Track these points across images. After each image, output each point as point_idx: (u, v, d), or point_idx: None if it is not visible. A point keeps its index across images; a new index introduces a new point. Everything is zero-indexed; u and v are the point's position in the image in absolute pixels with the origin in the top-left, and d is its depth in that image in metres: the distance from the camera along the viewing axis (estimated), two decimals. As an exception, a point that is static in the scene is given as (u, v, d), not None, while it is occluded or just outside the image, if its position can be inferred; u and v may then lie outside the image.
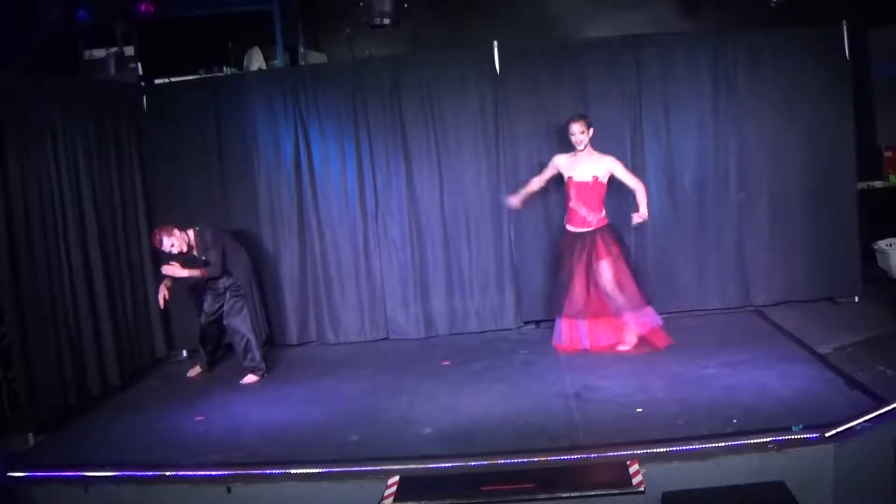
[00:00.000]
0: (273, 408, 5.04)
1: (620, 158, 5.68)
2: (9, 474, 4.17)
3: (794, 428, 3.82)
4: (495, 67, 6.19)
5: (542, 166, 6.04)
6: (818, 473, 3.66)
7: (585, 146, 5.46)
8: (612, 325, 5.54)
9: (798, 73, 6.06)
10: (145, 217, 6.22)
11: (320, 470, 3.94)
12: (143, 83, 6.53)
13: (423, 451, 4.12)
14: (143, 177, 6.27)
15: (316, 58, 7.36)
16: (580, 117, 5.45)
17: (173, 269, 5.47)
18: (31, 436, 4.74)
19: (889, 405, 3.92)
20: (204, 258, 5.51)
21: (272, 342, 6.37)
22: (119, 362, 5.62)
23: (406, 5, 5.93)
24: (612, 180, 5.52)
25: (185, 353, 6.46)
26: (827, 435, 3.74)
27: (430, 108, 6.26)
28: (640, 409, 4.41)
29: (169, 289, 5.63)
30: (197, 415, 5.00)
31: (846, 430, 3.76)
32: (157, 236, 5.44)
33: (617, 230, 5.63)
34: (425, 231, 6.36)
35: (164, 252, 5.47)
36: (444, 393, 5.04)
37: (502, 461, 3.90)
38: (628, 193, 5.57)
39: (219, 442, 4.50)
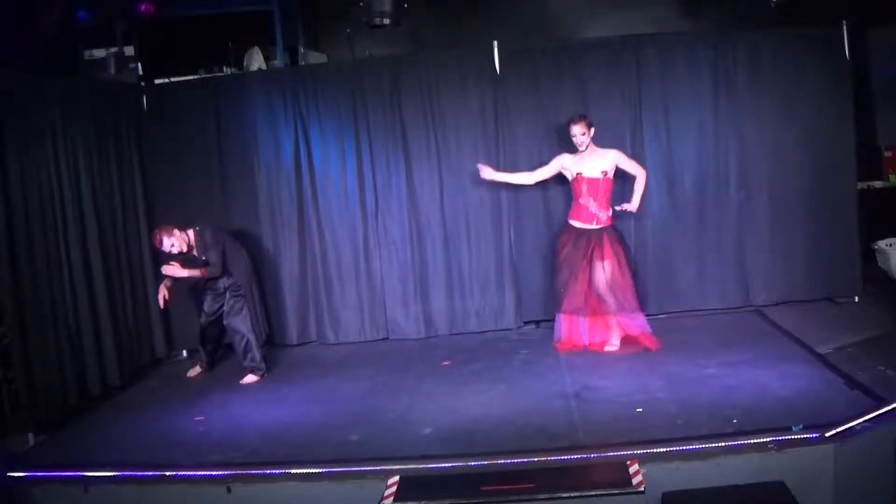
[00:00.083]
0: (273, 408, 5.04)
1: (621, 159, 5.71)
2: (9, 474, 4.17)
3: (794, 428, 3.82)
4: (495, 67, 6.19)
5: (542, 166, 6.06)
6: (818, 473, 3.66)
7: (587, 146, 5.46)
8: (608, 323, 5.55)
9: (798, 73, 6.06)
10: (145, 217, 6.22)
11: (320, 470, 3.94)
12: (143, 83, 6.53)
13: (423, 451, 4.12)
14: (143, 177, 6.27)
15: (316, 58, 7.36)
16: (580, 118, 5.45)
17: (173, 269, 5.47)
18: (31, 436, 4.74)
19: (889, 405, 3.92)
20: (204, 258, 5.51)
21: (272, 342, 6.37)
22: (119, 362, 5.62)
23: (406, 5, 5.94)
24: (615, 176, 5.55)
25: (185, 353, 6.47)
26: (827, 435, 3.74)
27: (430, 108, 6.26)
28: (640, 409, 4.41)
29: (169, 289, 5.64)
30: (197, 415, 5.00)
31: (846, 430, 3.76)
32: (157, 236, 5.44)
33: (621, 232, 5.64)
34: (425, 231, 6.36)
35: (164, 252, 5.47)
36: (444, 393, 5.04)
37: (502, 461, 3.90)
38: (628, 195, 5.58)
39: (219, 442, 4.49)
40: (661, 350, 5.40)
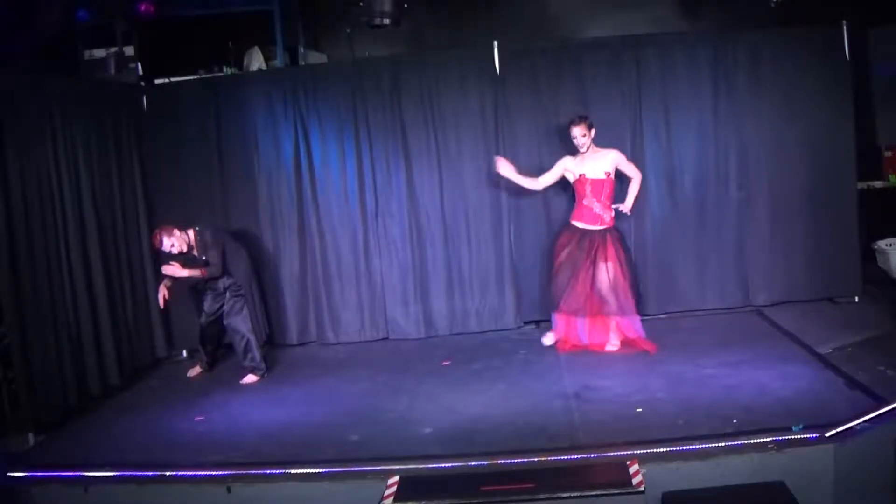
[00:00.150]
0: (273, 408, 5.04)
1: (621, 158, 5.71)
2: (9, 474, 4.17)
3: (794, 428, 3.82)
4: (495, 67, 6.19)
5: (541, 167, 6.06)
6: (818, 473, 3.66)
7: (588, 147, 5.46)
8: (607, 324, 5.54)
9: (798, 73, 6.06)
10: (145, 217, 6.22)
11: (320, 470, 3.94)
12: (143, 83, 6.53)
13: (423, 451, 4.12)
14: (143, 177, 6.27)
15: (316, 58, 7.36)
16: (581, 119, 5.45)
17: (173, 269, 5.47)
18: (31, 436, 4.74)
19: (889, 405, 3.91)
20: (204, 258, 5.51)
21: (272, 342, 6.37)
22: (119, 362, 5.62)
23: (406, 5, 5.94)
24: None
25: (185, 353, 6.46)
26: (827, 435, 3.74)
27: (430, 108, 6.26)
28: (640, 409, 4.42)
29: (169, 289, 5.64)
30: (197, 415, 5.00)
31: (846, 430, 3.76)
32: (158, 236, 5.44)
33: (622, 233, 5.64)
34: (425, 231, 6.36)
35: (164, 252, 5.47)
36: (444, 393, 5.04)
37: (502, 461, 3.89)
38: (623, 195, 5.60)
39: (219, 442, 4.49)
40: (661, 350, 5.40)
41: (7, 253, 4.69)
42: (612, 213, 5.54)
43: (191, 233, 5.54)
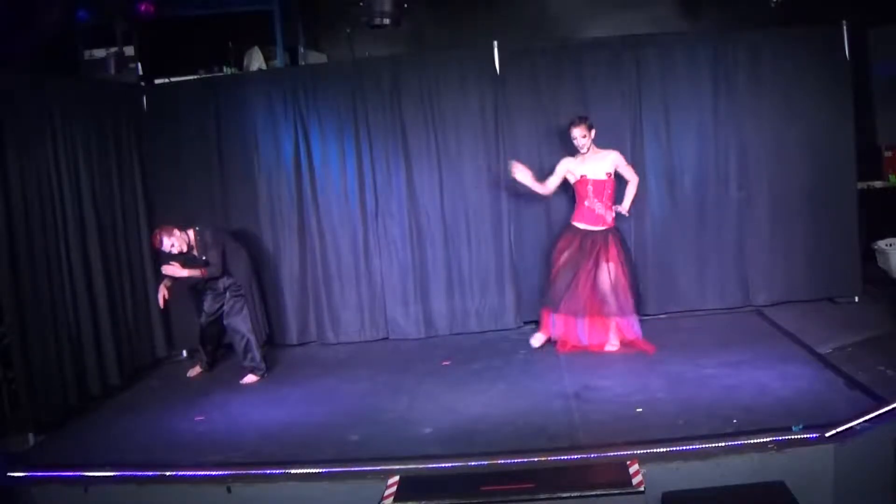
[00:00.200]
0: (273, 408, 5.04)
1: (620, 158, 5.72)
2: (9, 474, 4.17)
3: (794, 428, 3.82)
4: (495, 67, 6.19)
5: (541, 167, 6.06)
6: (818, 473, 3.66)
7: (589, 148, 5.46)
8: (606, 324, 5.54)
9: (798, 73, 6.06)
10: (145, 217, 6.22)
11: (320, 470, 3.93)
12: (143, 83, 6.53)
13: (423, 451, 4.12)
14: (143, 177, 6.27)
15: (316, 58, 7.36)
16: (581, 120, 5.45)
17: (173, 269, 5.47)
18: (31, 436, 4.74)
19: (889, 405, 3.91)
20: (204, 258, 5.51)
21: (272, 342, 6.37)
22: (119, 362, 5.62)
23: (406, 5, 5.94)
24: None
25: (185, 353, 6.46)
26: (827, 435, 3.74)
27: (430, 108, 6.26)
28: (640, 409, 4.41)
29: (169, 289, 5.64)
30: (197, 415, 5.00)
31: (846, 430, 3.76)
32: (158, 236, 5.44)
33: (623, 233, 5.64)
34: (425, 231, 6.35)
35: (164, 252, 5.47)
36: (444, 393, 5.04)
37: (502, 461, 3.89)
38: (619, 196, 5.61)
39: (219, 442, 4.49)
40: (660, 350, 5.40)
41: (7, 253, 4.69)
42: (613, 214, 5.54)
43: (191, 233, 5.54)
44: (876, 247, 6.53)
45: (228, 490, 3.87)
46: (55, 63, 6.13)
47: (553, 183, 5.67)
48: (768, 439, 3.76)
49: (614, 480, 3.58)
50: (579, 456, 3.88)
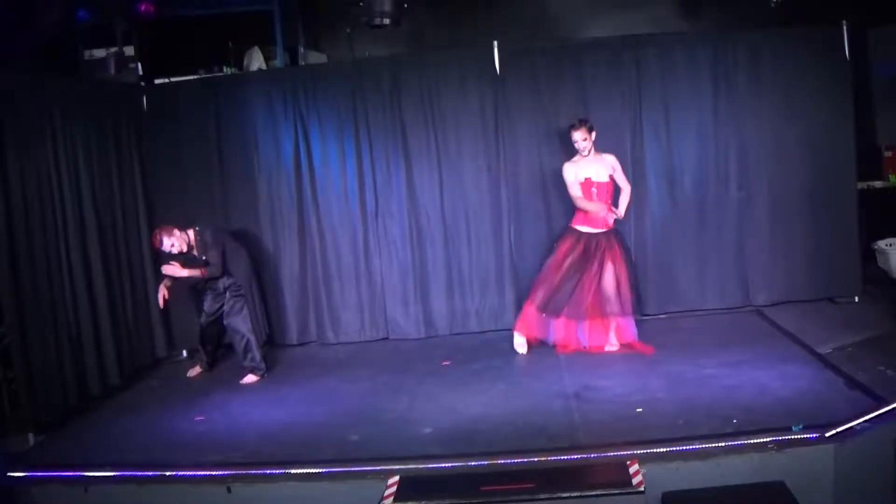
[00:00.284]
0: (273, 408, 5.04)
1: (621, 158, 5.71)
2: (9, 474, 4.17)
3: (794, 428, 3.82)
4: (495, 67, 6.19)
5: (541, 167, 6.08)
6: (818, 473, 3.66)
7: (590, 151, 5.45)
8: (605, 325, 5.54)
9: (798, 73, 6.06)
10: (145, 217, 6.22)
11: (320, 470, 3.93)
12: (143, 83, 6.53)
13: (423, 451, 4.12)
14: (143, 177, 6.27)
15: (316, 58, 7.36)
16: (581, 123, 5.41)
17: (173, 269, 5.47)
18: (31, 436, 4.74)
19: (889, 405, 3.91)
20: (204, 258, 5.51)
21: (272, 342, 6.37)
22: (119, 362, 5.62)
23: (406, 5, 5.94)
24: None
25: (185, 353, 6.46)
26: (827, 435, 3.74)
27: (430, 108, 6.26)
28: (640, 409, 4.42)
29: (169, 288, 5.64)
30: (197, 415, 5.00)
31: (846, 430, 3.76)
32: (158, 236, 5.44)
33: (622, 234, 5.64)
34: (425, 231, 6.35)
35: (164, 252, 5.47)
36: (444, 393, 5.04)
37: (502, 461, 3.89)
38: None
39: (219, 442, 4.49)
40: (660, 350, 5.39)
41: (7, 253, 4.69)
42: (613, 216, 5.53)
43: (191, 233, 5.54)
44: (876, 247, 6.53)
45: (228, 490, 3.87)
46: (55, 63, 6.13)
47: (576, 193, 5.48)
48: (768, 439, 3.76)
49: (614, 480, 3.58)
50: (579, 456, 3.88)
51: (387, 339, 6.44)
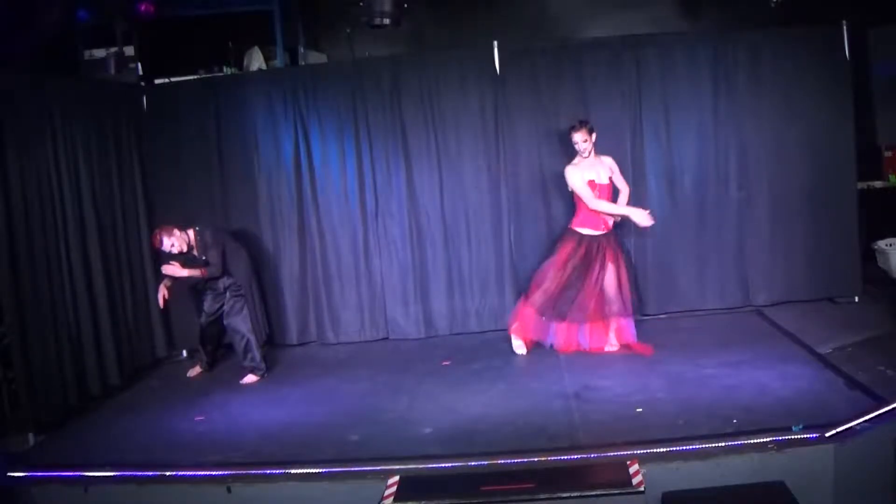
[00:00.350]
0: (273, 408, 5.04)
1: (620, 158, 5.71)
2: (9, 474, 4.17)
3: (794, 428, 3.82)
4: (495, 67, 6.19)
5: (542, 167, 6.08)
6: (818, 473, 3.66)
7: (591, 152, 5.44)
8: (606, 326, 5.53)
9: (798, 73, 6.06)
10: (145, 217, 6.22)
11: (320, 470, 3.94)
12: (143, 83, 6.53)
13: (423, 451, 4.12)
14: (143, 177, 6.27)
15: (316, 58, 7.36)
16: (581, 125, 5.38)
17: (173, 269, 5.47)
18: (31, 436, 4.74)
19: (889, 405, 3.91)
20: (204, 258, 5.51)
21: (272, 342, 6.37)
22: (119, 362, 5.62)
23: (406, 5, 5.93)
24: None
25: (185, 353, 6.46)
26: (827, 435, 3.74)
27: (430, 108, 6.26)
28: (640, 409, 4.42)
29: (169, 288, 5.64)
30: (197, 415, 5.00)
31: (846, 430, 3.76)
32: (158, 236, 5.44)
33: (622, 235, 5.65)
34: (425, 231, 6.35)
35: (164, 252, 5.47)
36: (444, 393, 5.04)
37: (502, 461, 3.89)
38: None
39: (219, 442, 4.49)
40: (660, 350, 5.39)
41: (7, 253, 4.69)
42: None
43: (191, 233, 5.54)
44: (876, 247, 6.53)
45: (228, 490, 3.87)
46: (55, 63, 6.13)
47: (588, 195, 5.40)
48: (768, 439, 3.75)
49: (614, 480, 3.58)
50: (579, 456, 3.88)
51: (387, 339, 6.44)
